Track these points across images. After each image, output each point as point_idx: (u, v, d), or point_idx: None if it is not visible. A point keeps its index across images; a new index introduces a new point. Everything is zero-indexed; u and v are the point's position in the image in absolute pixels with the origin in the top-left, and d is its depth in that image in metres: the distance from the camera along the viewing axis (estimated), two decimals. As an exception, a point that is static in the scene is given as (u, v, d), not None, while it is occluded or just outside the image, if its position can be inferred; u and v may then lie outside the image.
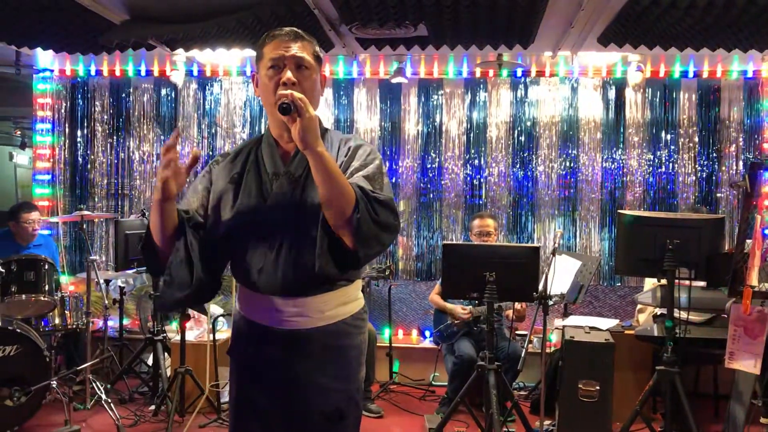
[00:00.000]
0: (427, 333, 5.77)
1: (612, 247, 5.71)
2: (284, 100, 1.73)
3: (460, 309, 4.77)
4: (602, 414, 3.95)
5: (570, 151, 5.86)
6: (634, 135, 5.82)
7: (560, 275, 4.27)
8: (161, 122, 6.17)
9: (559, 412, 4.06)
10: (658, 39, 4.31)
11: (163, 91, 6.16)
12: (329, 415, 1.95)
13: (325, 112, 5.95)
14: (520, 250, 4.22)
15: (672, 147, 5.80)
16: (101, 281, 5.05)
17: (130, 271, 5.20)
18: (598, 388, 3.92)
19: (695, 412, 3.64)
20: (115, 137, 6.20)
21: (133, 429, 4.41)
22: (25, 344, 4.24)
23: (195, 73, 6.02)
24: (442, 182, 5.95)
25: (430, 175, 5.95)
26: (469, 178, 5.95)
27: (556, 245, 4.17)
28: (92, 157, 6.22)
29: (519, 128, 5.91)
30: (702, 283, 3.93)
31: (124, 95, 6.18)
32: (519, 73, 5.82)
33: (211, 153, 6.12)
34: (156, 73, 6.03)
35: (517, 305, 4.69)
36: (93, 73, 6.11)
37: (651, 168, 5.82)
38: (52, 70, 6.08)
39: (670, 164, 5.80)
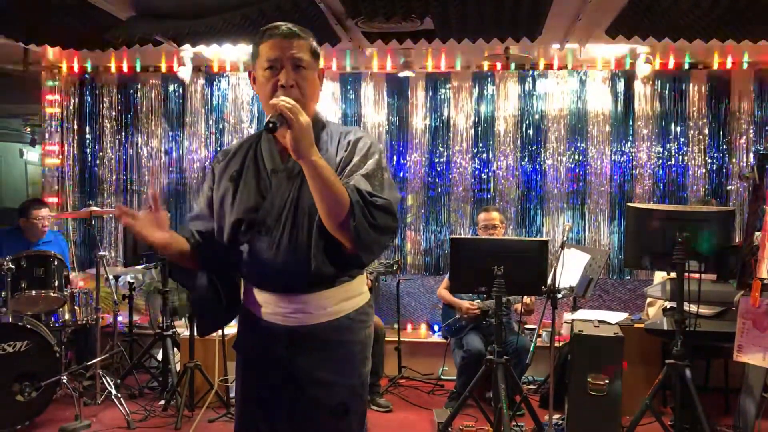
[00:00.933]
0: (436, 327, 5.77)
1: (621, 241, 5.68)
2: (271, 118, 1.73)
3: (468, 304, 4.76)
4: (611, 408, 3.94)
5: (579, 144, 5.83)
6: (644, 127, 5.78)
7: (569, 269, 4.25)
8: (169, 118, 6.18)
9: (569, 406, 4.04)
10: (667, 30, 4.27)
11: (171, 87, 6.16)
12: (333, 409, 1.95)
13: (332, 106, 5.94)
14: (528, 243, 4.21)
15: (682, 139, 5.75)
16: (110, 277, 5.08)
17: (139, 267, 5.23)
18: (607, 381, 3.90)
19: (705, 405, 3.61)
20: (123, 133, 6.22)
21: (143, 424, 4.43)
22: (35, 340, 4.26)
23: (202, 68, 6.01)
24: (450, 176, 5.93)
25: (438, 169, 5.93)
26: (477, 172, 5.93)
27: (565, 239, 4.16)
28: (101, 153, 6.24)
29: (527, 121, 5.88)
30: (712, 276, 3.90)
31: (131, 91, 6.20)
32: (527, 66, 5.78)
33: (219, 149, 6.13)
34: (164, 69, 6.03)
35: (526, 299, 4.68)
36: (101, 69, 6.12)
37: (660, 161, 5.78)
38: (60, 67, 6.10)
39: (680, 157, 5.76)
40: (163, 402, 4.70)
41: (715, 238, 3.65)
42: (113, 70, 6.09)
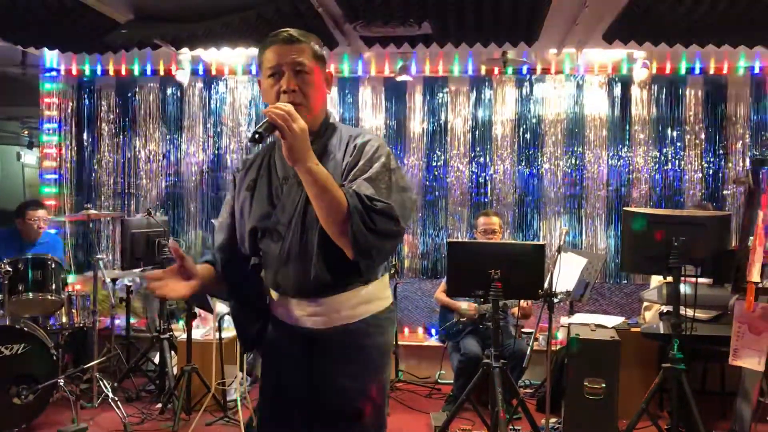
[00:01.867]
0: (433, 331, 5.77)
1: (618, 245, 5.69)
2: (257, 128, 1.72)
3: (466, 305, 4.77)
4: (608, 411, 3.94)
5: (576, 149, 5.85)
6: (640, 132, 5.80)
7: (566, 273, 4.26)
8: (167, 121, 6.19)
9: (565, 410, 4.05)
10: (664, 35, 4.30)
11: (169, 90, 6.17)
12: (349, 414, 1.96)
13: (330, 110, 5.95)
14: (525, 247, 4.22)
15: (678, 144, 5.77)
16: (108, 280, 5.08)
17: (136, 270, 5.21)
18: (603, 385, 3.91)
19: (702, 409, 3.62)
20: (121, 136, 6.23)
21: (140, 427, 4.42)
22: (32, 343, 4.26)
23: (200, 72, 6.03)
24: (448, 180, 5.95)
25: (436, 173, 5.94)
26: (474, 176, 5.94)
27: (562, 243, 4.17)
28: (98, 156, 6.24)
29: (524, 126, 5.90)
30: (708, 281, 3.91)
31: (129, 94, 6.20)
32: (524, 70, 5.80)
33: (216, 152, 6.14)
34: (162, 73, 6.04)
35: (523, 303, 4.69)
36: (99, 72, 6.13)
37: (657, 165, 5.80)
38: (58, 70, 6.10)
39: (677, 161, 5.78)
40: (160, 405, 4.69)
41: (711, 242, 3.67)
42: (111, 73, 6.10)
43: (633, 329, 4.57)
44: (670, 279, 3.73)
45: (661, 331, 4.22)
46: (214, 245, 2.14)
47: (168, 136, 6.19)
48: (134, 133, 6.21)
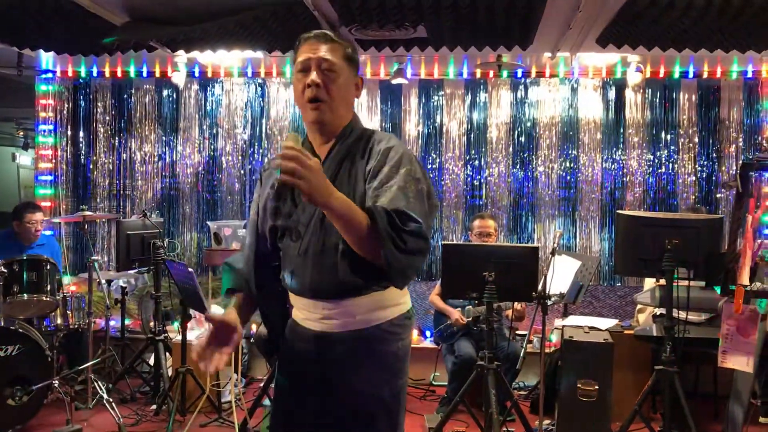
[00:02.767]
0: (428, 333, 5.78)
1: (612, 247, 5.72)
2: (276, 188, 1.70)
3: (458, 315, 4.78)
4: (601, 414, 3.96)
5: (570, 152, 5.88)
6: (634, 135, 5.83)
7: (560, 275, 4.28)
8: (163, 123, 6.20)
9: (559, 412, 4.07)
10: (657, 40, 4.32)
11: (165, 92, 6.18)
12: (360, 418, 1.95)
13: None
14: (519, 250, 4.24)
15: (672, 147, 5.81)
16: (103, 281, 5.07)
17: (131, 272, 5.23)
18: (597, 387, 3.93)
19: (695, 411, 3.65)
20: (116, 138, 6.23)
21: (135, 428, 4.43)
22: (27, 344, 4.26)
23: (196, 74, 6.04)
24: (443, 182, 5.97)
25: (431, 175, 5.96)
26: (469, 179, 5.96)
27: (556, 245, 4.19)
28: (94, 157, 6.25)
29: (519, 129, 5.92)
30: (701, 283, 3.94)
31: (125, 96, 6.21)
32: (519, 73, 5.83)
33: (212, 154, 6.14)
34: (157, 74, 6.05)
35: (517, 305, 4.71)
36: (95, 74, 6.14)
37: (651, 168, 5.83)
38: (54, 72, 6.11)
39: (670, 164, 5.81)
40: (154, 406, 4.70)
41: (703, 245, 3.69)
42: (107, 75, 6.11)
43: (626, 332, 4.59)
44: (662, 281, 3.76)
45: (654, 334, 4.24)
46: (242, 254, 2.16)
47: (164, 138, 6.20)
48: (130, 134, 6.21)
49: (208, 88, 6.15)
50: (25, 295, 4.51)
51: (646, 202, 5.83)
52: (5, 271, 4.37)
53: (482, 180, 5.94)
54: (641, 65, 5.38)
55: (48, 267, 4.63)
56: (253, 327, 5.16)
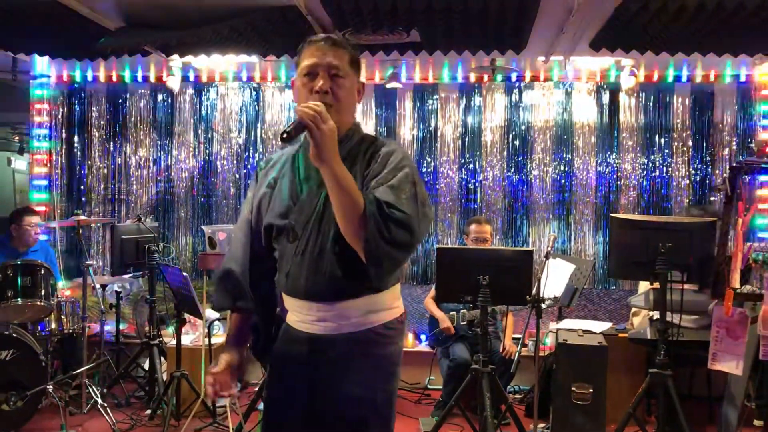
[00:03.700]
0: (423, 337, 5.78)
1: (606, 251, 5.73)
2: (286, 128, 1.74)
3: (447, 323, 4.79)
4: (596, 417, 3.97)
5: (564, 155, 5.89)
6: (628, 139, 5.85)
7: (554, 279, 4.29)
8: (158, 128, 6.20)
9: (553, 415, 4.08)
10: (650, 44, 4.34)
11: (160, 97, 6.18)
12: (351, 423, 1.94)
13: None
14: (513, 253, 4.25)
15: (666, 151, 5.82)
16: (98, 286, 5.08)
17: (126, 276, 5.23)
18: (591, 390, 3.94)
19: (689, 414, 3.65)
20: (111, 143, 6.22)
21: (129, 433, 4.43)
22: (21, 349, 4.25)
23: (191, 78, 6.04)
24: (438, 186, 5.97)
25: (426, 179, 5.96)
26: (464, 182, 5.97)
27: (550, 249, 4.20)
28: (89, 162, 6.24)
29: (513, 132, 5.94)
30: (695, 286, 3.95)
31: (120, 101, 6.20)
32: (513, 77, 5.84)
33: (207, 158, 6.15)
34: (152, 79, 6.05)
35: (510, 348, 4.75)
36: (90, 79, 6.13)
37: (645, 172, 5.84)
38: (49, 76, 6.10)
39: (664, 168, 5.83)
40: (149, 411, 4.69)
41: (697, 248, 3.70)
42: (102, 79, 6.11)
43: (621, 335, 4.60)
44: (656, 285, 3.77)
45: (648, 337, 4.25)
46: (231, 247, 2.18)
47: (159, 143, 6.19)
48: (125, 139, 6.21)
49: (203, 93, 6.15)
50: (20, 300, 4.51)
51: (641, 205, 5.84)
52: (-1, 276, 4.37)
53: (477, 183, 5.95)
54: (635, 69, 5.41)
55: (42, 272, 4.62)
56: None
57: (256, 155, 6.10)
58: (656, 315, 4.25)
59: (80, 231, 4.88)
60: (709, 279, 3.55)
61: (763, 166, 3.52)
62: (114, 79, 6.09)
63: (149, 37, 4.26)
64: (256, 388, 4.62)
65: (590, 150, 5.87)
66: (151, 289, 4.93)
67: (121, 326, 5.58)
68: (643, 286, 4.76)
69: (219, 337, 4.85)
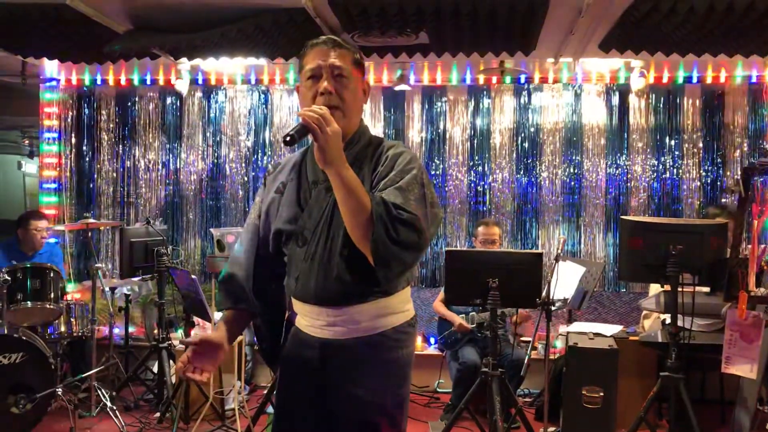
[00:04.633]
0: (432, 340, 5.77)
1: (616, 253, 5.69)
2: (290, 131, 1.73)
3: (460, 319, 4.78)
4: (606, 420, 3.94)
5: (574, 157, 5.86)
6: (638, 141, 5.81)
7: (564, 281, 4.26)
8: (166, 131, 6.21)
9: (563, 419, 4.05)
10: (660, 45, 4.32)
11: (168, 100, 6.20)
12: (362, 427, 1.93)
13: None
14: (523, 256, 4.23)
15: (676, 152, 5.78)
16: (107, 289, 5.08)
17: (135, 279, 5.23)
18: (602, 394, 3.91)
19: (701, 418, 3.62)
20: (120, 146, 6.25)
21: (138, 436, 4.43)
22: (30, 352, 4.26)
23: (200, 81, 6.05)
24: (446, 189, 5.96)
25: (434, 181, 5.95)
26: (473, 185, 5.95)
27: (560, 251, 4.18)
28: (98, 165, 6.26)
29: (522, 134, 5.91)
30: (706, 289, 3.92)
31: (129, 104, 6.22)
32: (522, 79, 5.82)
33: (216, 161, 6.15)
34: (161, 82, 6.07)
35: (522, 311, 4.68)
36: (99, 82, 6.16)
37: (655, 174, 5.81)
38: (58, 80, 6.13)
39: (675, 170, 5.79)
40: (158, 414, 4.69)
41: (709, 250, 3.67)
42: (111, 83, 6.13)
43: (631, 338, 4.57)
44: (667, 287, 3.74)
45: (660, 340, 4.22)
46: (237, 249, 2.15)
47: (167, 146, 6.21)
48: (134, 142, 6.23)
49: (212, 96, 6.16)
50: (29, 303, 4.53)
51: (651, 207, 5.80)
52: (9, 279, 4.38)
53: (486, 186, 5.93)
54: (644, 70, 5.37)
55: (52, 275, 4.64)
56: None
57: (265, 158, 6.10)
58: (668, 318, 4.23)
59: (89, 234, 4.89)
60: (722, 282, 3.50)
61: (776, 167, 3.48)
62: (123, 82, 6.12)
63: (158, 40, 4.27)
64: (265, 391, 4.61)
65: (600, 152, 5.84)
66: (160, 292, 4.93)
67: (130, 329, 5.59)
68: (654, 288, 4.73)
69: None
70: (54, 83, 6.14)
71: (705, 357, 4.25)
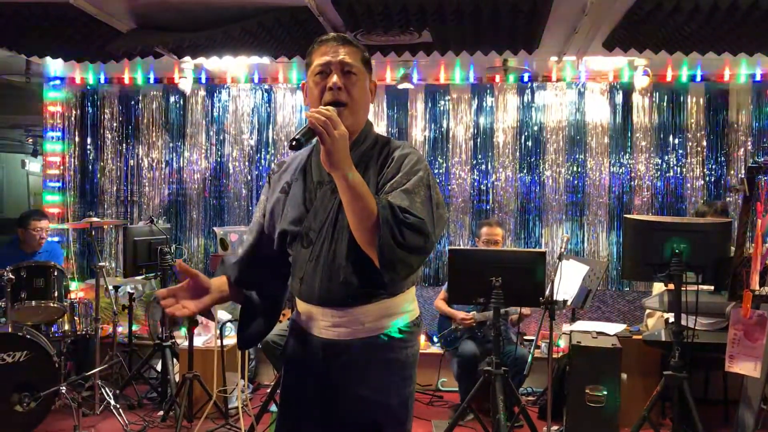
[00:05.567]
0: (435, 338, 5.76)
1: (620, 252, 5.68)
2: (296, 135, 1.72)
3: (462, 314, 4.78)
4: (610, 419, 3.93)
5: (577, 156, 5.85)
6: (642, 139, 5.80)
7: (568, 280, 4.26)
8: (170, 129, 6.22)
9: (567, 418, 4.04)
10: (664, 43, 4.30)
11: (172, 99, 6.20)
12: (367, 428, 1.93)
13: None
14: (526, 255, 4.22)
15: (680, 151, 5.77)
16: (110, 287, 5.09)
17: (138, 278, 5.24)
18: (605, 393, 3.90)
19: (705, 417, 3.61)
20: (124, 144, 6.26)
21: (142, 434, 4.44)
22: (34, 350, 4.27)
23: (203, 80, 6.06)
24: (450, 187, 5.95)
25: (437, 180, 5.94)
26: (476, 183, 5.95)
27: (563, 250, 4.17)
28: (102, 164, 6.27)
29: (526, 133, 5.91)
30: (710, 288, 3.91)
31: (133, 103, 6.23)
32: (525, 78, 5.82)
33: (219, 160, 6.16)
34: (164, 81, 6.08)
35: (523, 310, 4.69)
36: (102, 81, 6.17)
37: (659, 172, 5.80)
38: (62, 79, 6.15)
39: (678, 168, 5.78)
40: (161, 413, 4.70)
41: (712, 249, 3.66)
42: (115, 81, 6.14)
43: (635, 336, 4.57)
44: (671, 286, 3.73)
45: (663, 339, 4.21)
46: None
47: (171, 144, 6.22)
48: (137, 141, 6.24)
49: (215, 94, 6.17)
50: (33, 302, 4.53)
51: (654, 206, 5.79)
52: (12, 277, 4.40)
53: (489, 184, 5.93)
54: (648, 69, 5.36)
55: (55, 273, 4.65)
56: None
57: (268, 157, 6.11)
58: (671, 317, 4.22)
59: (93, 233, 4.90)
60: (726, 280, 3.49)
61: (782, 166, 3.47)
62: (126, 81, 6.13)
63: (161, 39, 4.27)
64: (268, 390, 4.61)
65: (603, 150, 5.83)
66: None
67: (134, 328, 5.60)
68: (657, 287, 4.72)
69: (231, 339, 4.85)
70: (58, 82, 6.16)
71: (708, 356, 4.24)
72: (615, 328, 4.50)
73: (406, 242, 1.74)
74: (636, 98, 5.80)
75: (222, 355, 4.60)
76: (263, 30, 4.07)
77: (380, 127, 5.99)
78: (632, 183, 5.82)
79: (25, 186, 10.93)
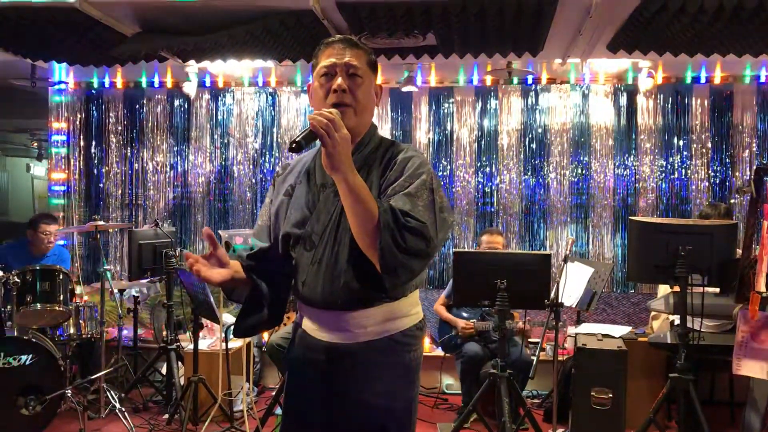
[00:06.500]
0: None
1: (625, 254, 5.67)
2: (295, 137, 1.71)
3: (463, 323, 4.78)
4: (615, 422, 3.93)
5: (582, 158, 5.84)
6: (646, 141, 5.79)
7: (573, 282, 4.26)
8: (174, 133, 6.23)
9: (572, 420, 4.04)
10: (668, 45, 4.30)
11: (176, 102, 6.22)
12: (370, 430, 1.92)
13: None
14: (531, 257, 4.22)
15: (685, 153, 5.76)
16: (115, 291, 5.10)
17: (144, 281, 5.25)
18: (610, 395, 3.90)
19: (711, 419, 3.60)
20: (129, 148, 6.27)
21: (147, 438, 4.44)
22: (40, 353, 4.28)
23: (208, 84, 6.07)
24: (454, 190, 5.95)
25: (442, 182, 5.92)
26: (480, 186, 5.94)
27: (568, 252, 4.17)
28: (107, 167, 6.29)
29: (530, 135, 5.90)
30: (715, 290, 3.90)
31: (137, 106, 6.25)
32: (529, 80, 5.81)
33: (223, 163, 6.17)
34: (169, 85, 6.09)
35: (521, 325, 4.73)
36: (107, 85, 6.19)
37: (663, 174, 5.78)
38: (66, 83, 6.17)
39: (683, 170, 5.76)
40: (167, 416, 4.70)
41: (718, 251, 3.65)
42: (119, 85, 6.16)
43: (640, 339, 4.56)
44: (676, 288, 3.73)
45: (669, 341, 4.20)
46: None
47: (175, 148, 6.23)
48: (142, 144, 6.25)
49: (220, 98, 6.18)
50: (38, 305, 4.55)
51: (659, 208, 5.78)
52: (18, 281, 4.41)
53: (493, 187, 5.93)
54: (652, 71, 5.36)
55: (61, 277, 4.66)
56: (265, 336, 5.17)
57: (272, 160, 6.12)
58: (677, 319, 4.21)
59: (98, 236, 4.91)
60: (732, 283, 3.48)
61: (788, 168, 3.46)
62: (131, 85, 6.15)
63: (166, 42, 4.29)
64: (273, 393, 4.61)
65: (608, 152, 5.83)
66: (168, 293, 4.94)
67: (139, 331, 5.60)
68: (663, 289, 4.71)
69: (236, 342, 4.85)
70: (63, 86, 6.18)
71: (714, 358, 4.23)
72: (620, 330, 4.49)
73: (407, 246, 1.73)
74: (640, 100, 5.79)
75: (227, 358, 4.60)
76: (267, 33, 4.07)
77: (384, 130, 5.99)
78: (637, 185, 5.81)
79: (30, 190, 10.97)
